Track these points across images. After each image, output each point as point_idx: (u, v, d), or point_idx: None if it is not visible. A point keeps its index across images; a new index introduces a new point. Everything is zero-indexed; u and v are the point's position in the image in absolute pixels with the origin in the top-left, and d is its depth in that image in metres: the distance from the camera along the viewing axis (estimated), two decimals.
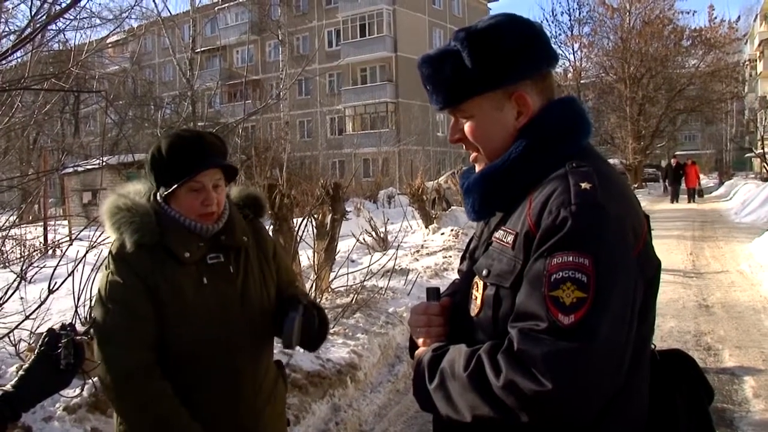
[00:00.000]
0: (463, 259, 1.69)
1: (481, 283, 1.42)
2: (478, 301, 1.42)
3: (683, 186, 26.47)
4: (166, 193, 2.01)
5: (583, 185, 1.29)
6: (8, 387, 1.63)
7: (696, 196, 26.47)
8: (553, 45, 1.53)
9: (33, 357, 1.67)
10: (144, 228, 1.97)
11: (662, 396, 1.43)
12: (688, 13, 38.53)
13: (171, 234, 2.00)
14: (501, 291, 1.36)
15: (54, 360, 1.64)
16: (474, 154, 1.54)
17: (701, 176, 29.03)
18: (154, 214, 2.02)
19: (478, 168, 1.54)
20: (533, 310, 1.24)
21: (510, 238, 1.36)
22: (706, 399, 1.48)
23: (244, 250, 2.14)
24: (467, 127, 1.50)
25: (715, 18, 35.88)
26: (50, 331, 1.69)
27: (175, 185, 1.97)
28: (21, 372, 1.66)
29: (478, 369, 1.28)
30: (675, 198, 25.86)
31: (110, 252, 2.04)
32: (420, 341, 1.56)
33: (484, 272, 1.41)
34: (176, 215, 2.03)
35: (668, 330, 6.62)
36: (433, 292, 1.62)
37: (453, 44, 1.47)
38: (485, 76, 1.42)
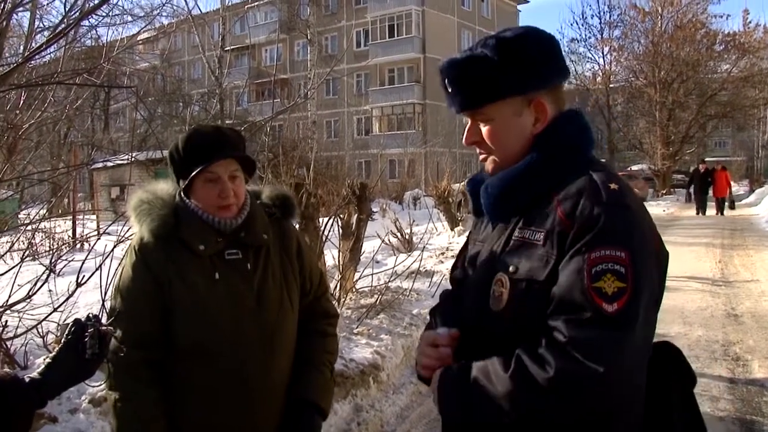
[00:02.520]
0: (454, 267, 1.83)
1: (506, 279, 1.47)
2: (505, 297, 1.47)
3: (710, 195, 23.55)
4: (184, 185, 2.02)
5: (612, 186, 1.40)
6: (35, 374, 1.66)
7: (726, 207, 23.25)
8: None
9: (60, 346, 1.69)
10: (159, 218, 1.99)
11: (655, 383, 1.51)
12: (722, 17, 37.97)
13: (188, 226, 2.01)
14: (534, 285, 1.42)
15: (80, 349, 1.66)
16: (484, 156, 1.62)
17: (732, 184, 25.89)
18: (174, 207, 2.03)
19: (488, 168, 1.61)
20: (577, 301, 1.32)
21: (539, 236, 1.43)
22: (690, 384, 1.57)
23: (264, 248, 2.11)
24: (486, 130, 1.57)
25: (750, 22, 35.29)
26: (77, 321, 1.71)
27: (191, 176, 1.97)
28: (48, 360, 1.69)
29: (520, 367, 1.35)
30: (702, 209, 22.87)
31: (131, 244, 2.07)
32: (426, 372, 1.62)
33: (511, 269, 1.47)
34: (195, 208, 2.03)
35: (696, 339, 6.52)
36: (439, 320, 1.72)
37: (480, 50, 1.53)
38: (511, 81, 1.50)
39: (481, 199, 1.62)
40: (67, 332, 1.70)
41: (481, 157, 1.62)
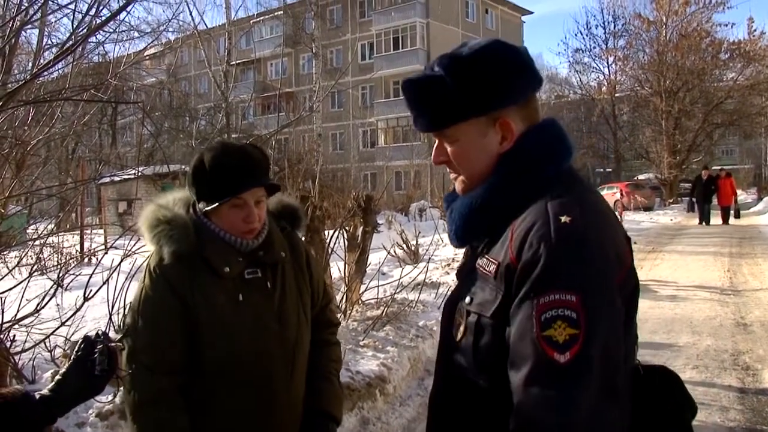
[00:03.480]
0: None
1: (463, 309, 1.43)
2: (462, 328, 1.43)
3: (714, 203, 22.54)
4: (207, 208, 1.98)
5: (563, 219, 1.28)
6: (45, 391, 1.67)
7: (731, 216, 22.25)
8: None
9: (69, 363, 1.71)
10: (182, 239, 1.95)
11: (645, 411, 1.42)
12: (727, 25, 37.68)
13: (210, 247, 1.98)
14: (482, 320, 1.37)
15: (89, 366, 1.67)
16: (454, 175, 1.55)
17: (738, 191, 24.78)
18: (193, 226, 1.99)
19: (458, 187, 1.54)
20: (528, 353, 1.23)
21: (492, 268, 1.36)
22: (689, 414, 1.47)
23: (281, 265, 2.11)
24: (451, 151, 1.49)
25: (755, 30, 34.98)
26: (86, 338, 1.72)
27: (217, 203, 1.94)
28: (57, 377, 1.70)
29: None
30: (705, 219, 21.70)
31: (148, 265, 2.02)
32: None
33: (467, 299, 1.42)
34: (216, 229, 2.01)
35: (705, 348, 6.48)
36: None
37: (437, 70, 1.44)
38: (469, 103, 1.41)
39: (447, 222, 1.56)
40: (76, 349, 1.71)
41: (452, 176, 1.55)
